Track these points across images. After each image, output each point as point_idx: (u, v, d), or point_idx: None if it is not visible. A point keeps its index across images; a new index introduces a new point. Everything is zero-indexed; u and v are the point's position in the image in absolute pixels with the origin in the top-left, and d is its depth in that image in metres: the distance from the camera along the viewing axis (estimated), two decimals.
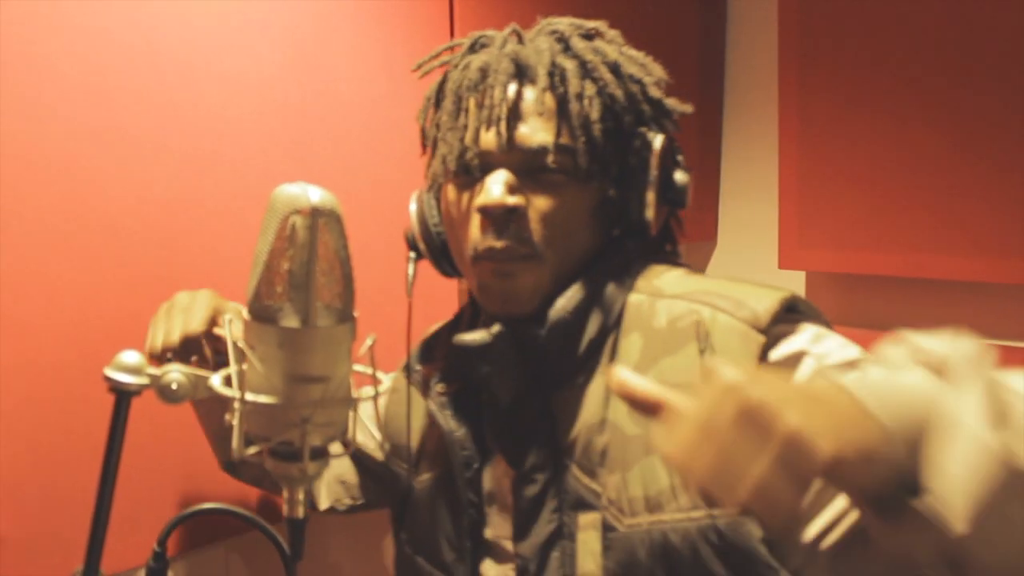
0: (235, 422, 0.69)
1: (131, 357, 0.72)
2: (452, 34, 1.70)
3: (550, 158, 0.91)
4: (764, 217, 2.29)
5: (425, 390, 1.07)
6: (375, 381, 0.74)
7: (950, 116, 1.82)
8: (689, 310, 0.90)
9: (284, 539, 0.80)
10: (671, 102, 1.01)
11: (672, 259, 1.04)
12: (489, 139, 0.92)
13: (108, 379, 0.72)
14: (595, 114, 0.92)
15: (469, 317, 1.10)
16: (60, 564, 1.19)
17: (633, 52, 0.99)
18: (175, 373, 0.73)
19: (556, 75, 0.93)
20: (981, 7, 1.76)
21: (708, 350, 0.86)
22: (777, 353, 0.84)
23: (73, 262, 1.22)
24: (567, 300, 0.92)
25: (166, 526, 0.87)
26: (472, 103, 0.95)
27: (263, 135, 1.42)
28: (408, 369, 1.10)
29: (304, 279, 0.67)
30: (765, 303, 0.87)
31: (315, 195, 0.67)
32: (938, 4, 1.81)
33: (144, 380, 0.72)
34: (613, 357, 0.93)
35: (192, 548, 1.35)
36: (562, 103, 0.92)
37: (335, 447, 0.73)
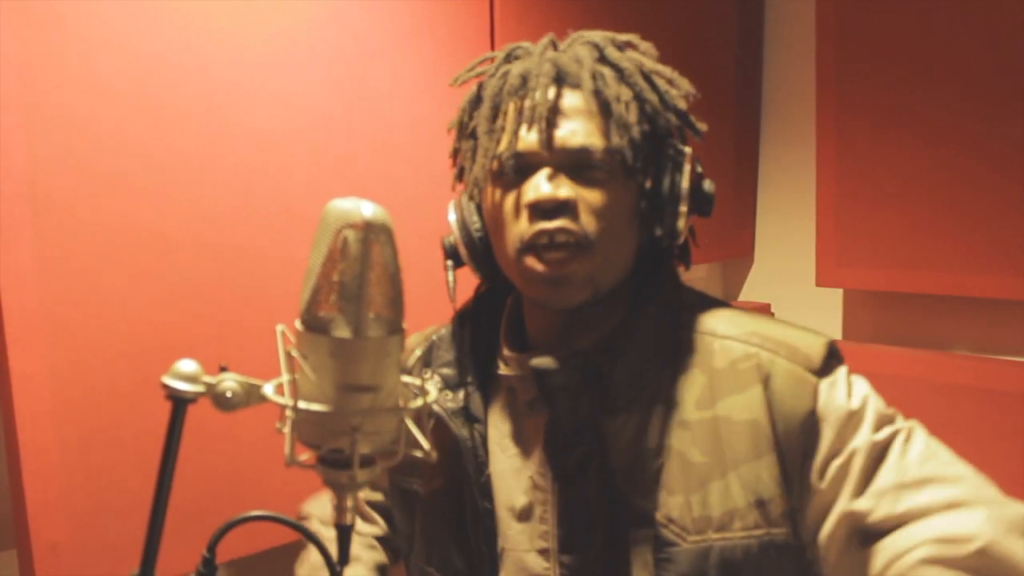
0: (286, 430, 0.71)
1: (188, 366, 0.74)
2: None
3: (595, 156, 0.95)
4: (801, 235, 2.29)
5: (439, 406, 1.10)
6: (423, 392, 0.75)
7: (987, 135, 1.81)
8: (747, 353, 0.98)
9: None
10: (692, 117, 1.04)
11: (697, 296, 1.10)
12: (532, 139, 0.96)
13: (165, 386, 0.74)
14: (633, 117, 0.96)
15: (506, 330, 1.10)
16: (111, 570, 1.22)
17: (661, 67, 1.02)
18: (230, 381, 0.75)
19: (597, 79, 0.96)
20: (1018, 29, 1.75)
21: (770, 391, 0.95)
22: (825, 394, 0.95)
23: (125, 276, 1.26)
24: (636, 334, 0.99)
25: (215, 532, 0.89)
26: (512, 107, 0.98)
27: (309, 152, 1.45)
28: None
29: (356, 291, 0.69)
30: (815, 349, 0.97)
31: (367, 210, 0.69)
32: (975, 25, 1.81)
33: (200, 388, 0.74)
34: (671, 390, 0.98)
35: (240, 555, 1.37)
36: (604, 105, 0.96)
37: (384, 456, 0.74)
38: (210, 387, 0.75)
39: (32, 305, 1.17)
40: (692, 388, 0.98)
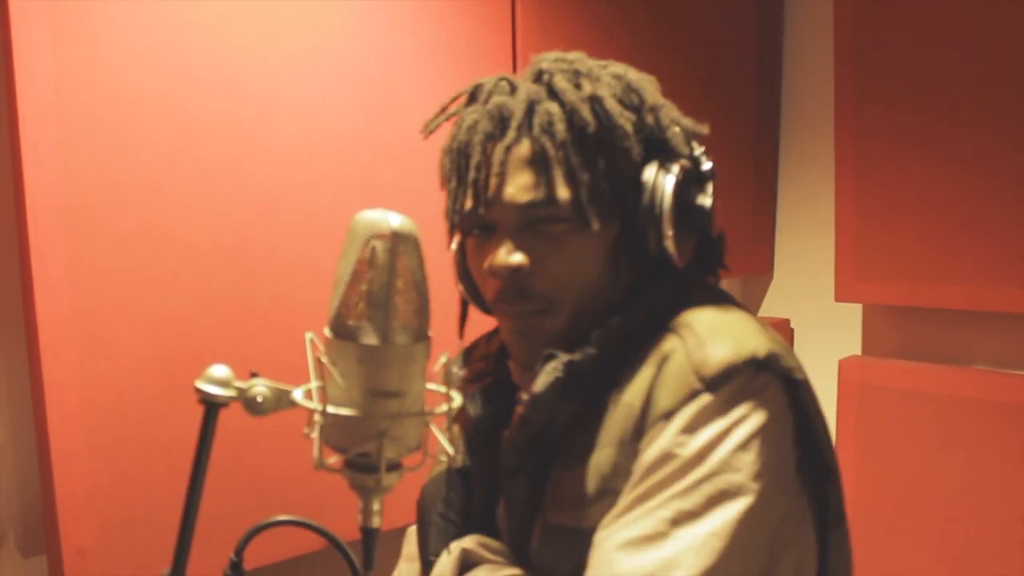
0: (315, 434, 0.73)
1: (221, 371, 0.77)
2: (515, 71, 1.75)
3: (543, 213, 0.90)
4: (820, 250, 2.29)
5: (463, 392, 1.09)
6: (448, 398, 0.77)
7: (1006, 150, 1.81)
8: (665, 338, 0.90)
9: (355, 555, 0.83)
10: (687, 122, 0.97)
11: (715, 292, 1.00)
12: (476, 201, 0.92)
13: (199, 391, 0.76)
14: (578, 159, 0.89)
15: None
16: (138, 574, 1.24)
17: (631, 77, 0.94)
18: (260, 387, 0.77)
19: (536, 125, 0.89)
20: None
21: (657, 377, 0.87)
22: (694, 409, 0.84)
23: (155, 286, 1.28)
24: (615, 336, 0.92)
25: (243, 536, 0.91)
26: (470, 162, 0.93)
27: (333, 165, 1.48)
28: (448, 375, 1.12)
29: (383, 299, 0.71)
30: (718, 357, 0.85)
31: (395, 220, 0.71)
32: (993, 41, 1.82)
33: (232, 393, 0.77)
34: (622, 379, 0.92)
35: (265, 563, 1.39)
36: (543, 153, 0.89)
37: (409, 460, 0.76)
38: (241, 392, 0.77)
39: (65, 313, 1.20)
40: (623, 374, 0.91)
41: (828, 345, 2.28)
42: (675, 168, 0.91)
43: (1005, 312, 1.89)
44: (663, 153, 0.93)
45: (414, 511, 1.63)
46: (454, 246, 1.03)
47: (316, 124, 1.46)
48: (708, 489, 0.81)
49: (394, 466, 0.74)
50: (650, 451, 0.84)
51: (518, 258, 0.90)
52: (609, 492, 0.86)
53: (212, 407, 0.77)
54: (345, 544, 0.92)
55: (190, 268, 1.32)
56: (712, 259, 1.02)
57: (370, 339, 0.71)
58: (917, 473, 1.99)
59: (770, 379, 0.86)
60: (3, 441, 1.29)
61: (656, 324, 0.92)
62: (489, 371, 1.08)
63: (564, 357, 0.90)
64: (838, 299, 2.13)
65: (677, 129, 0.94)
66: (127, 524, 1.26)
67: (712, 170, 0.96)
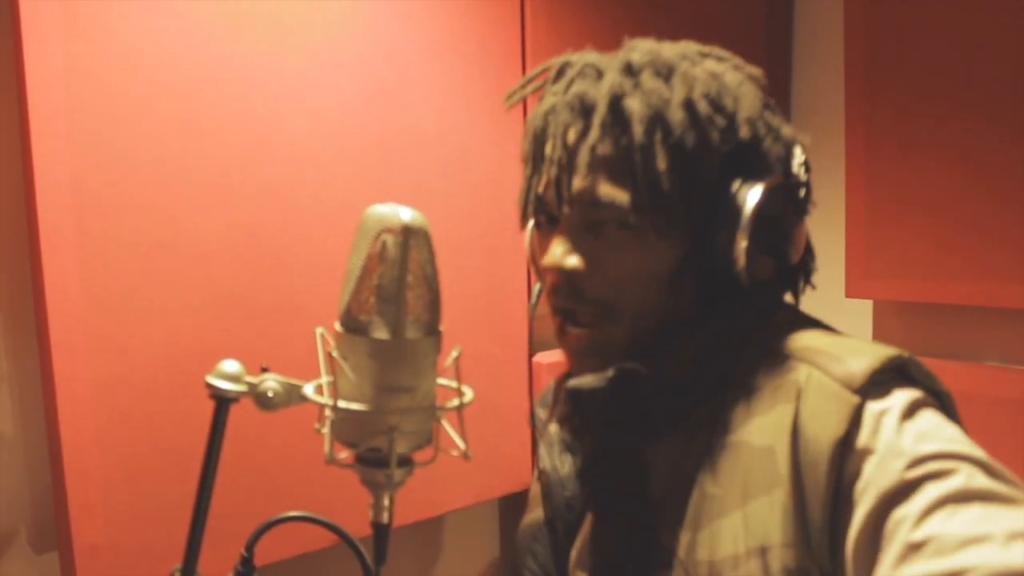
0: (325, 430, 0.73)
1: (231, 366, 0.77)
2: (524, 68, 1.75)
3: (607, 214, 0.82)
4: (830, 245, 2.27)
5: (544, 432, 1.03)
6: (459, 393, 0.77)
7: (1018, 145, 1.80)
8: (788, 367, 0.81)
9: (366, 550, 0.84)
10: (786, 132, 0.89)
11: (805, 318, 0.93)
12: (551, 193, 0.85)
13: (209, 386, 0.76)
14: (662, 164, 0.80)
15: None
16: (150, 571, 1.24)
17: (729, 79, 0.86)
18: (271, 382, 0.77)
19: (618, 122, 0.82)
20: None
21: (799, 411, 0.78)
22: (872, 423, 0.74)
23: (165, 284, 1.29)
24: (684, 350, 0.85)
25: (254, 532, 0.91)
26: (544, 151, 0.87)
27: (344, 164, 1.48)
28: (532, 413, 1.07)
29: (394, 294, 0.71)
30: (864, 361, 0.77)
31: (406, 214, 0.71)
32: (1005, 32, 1.81)
33: (242, 387, 0.77)
34: (718, 413, 0.84)
35: (275, 560, 1.39)
36: (624, 153, 0.81)
37: (420, 455, 0.76)
38: (252, 387, 0.77)
39: (76, 310, 1.20)
40: (732, 410, 0.83)
41: None
42: (761, 183, 0.82)
43: (1017, 308, 1.87)
44: (753, 166, 0.84)
45: (425, 505, 1.64)
46: (528, 228, 0.96)
47: (326, 121, 1.46)
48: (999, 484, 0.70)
49: (405, 461, 0.74)
50: (870, 496, 0.72)
51: (573, 261, 0.84)
52: (772, 547, 0.75)
53: (223, 402, 0.77)
54: (356, 540, 0.92)
55: (201, 264, 1.32)
56: (791, 282, 0.95)
57: (381, 334, 0.71)
58: None
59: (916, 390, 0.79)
60: (15, 438, 1.30)
61: (735, 347, 0.85)
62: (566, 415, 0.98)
63: (619, 365, 0.83)
64: (848, 295, 2.12)
65: (772, 142, 0.86)
66: (138, 520, 1.27)
67: (806, 189, 0.89)
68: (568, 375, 0.94)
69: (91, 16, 1.21)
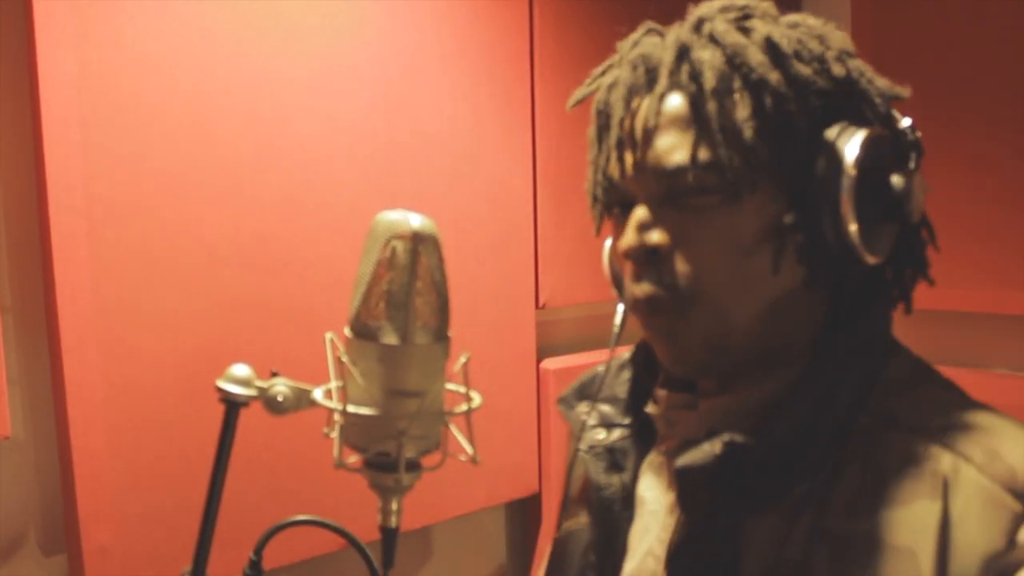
0: (334, 434, 0.74)
1: (241, 370, 0.77)
2: (532, 73, 1.76)
3: (689, 177, 0.71)
4: None
5: (579, 431, 0.92)
6: (468, 398, 0.77)
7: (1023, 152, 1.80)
8: (928, 453, 0.67)
9: (374, 555, 0.84)
10: (881, 82, 0.78)
11: (916, 366, 0.80)
12: (618, 167, 0.76)
13: (219, 390, 0.77)
14: (743, 112, 0.70)
15: (643, 362, 0.92)
16: (158, 574, 1.25)
17: (812, 22, 0.75)
18: (281, 386, 0.78)
19: (684, 72, 0.72)
20: None
21: (948, 512, 0.64)
22: None
23: (176, 288, 1.29)
24: (799, 411, 0.72)
25: (263, 535, 0.92)
26: (610, 123, 0.78)
27: (353, 169, 1.49)
28: (565, 404, 0.96)
29: (403, 299, 0.71)
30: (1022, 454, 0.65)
31: (415, 221, 0.71)
32: (1013, 38, 1.81)
33: (252, 392, 0.77)
34: (828, 490, 0.71)
35: (283, 564, 1.39)
36: (696, 105, 0.71)
37: (428, 460, 0.76)
38: (262, 391, 0.77)
39: (86, 314, 1.21)
40: (848, 490, 0.70)
41: None
42: (863, 131, 0.71)
43: None
44: (852, 112, 0.73)
45: (433, 510, 1.64)
46: (605, 250, 0.87)
47: (336, 127, 1.46)
48: None
49: (413, 465, 0.75)
50: None
51: (655, 237, 0.73)
52: None
53: (233, 406, 0.77)
54: (364, 544, 0.92)
55: (211, 269, 1.33)
56: (912, 258, 0.82)
57: (390, 339, 0.71)
58: None
59: None
60: (25, 441, 1.30)
61: (850, 402, 0.73)
62: (618, 421, 0.90)
63: (727, 437, 0.71)
64: None
65: (869, 84, 0.75)
66: (147, 523, 1.27)
67: (917, 139, 0.77)
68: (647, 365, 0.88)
69: (103, 21, 1.22)
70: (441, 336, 0.74)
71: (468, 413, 0.76)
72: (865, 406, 0.73)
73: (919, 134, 0.77)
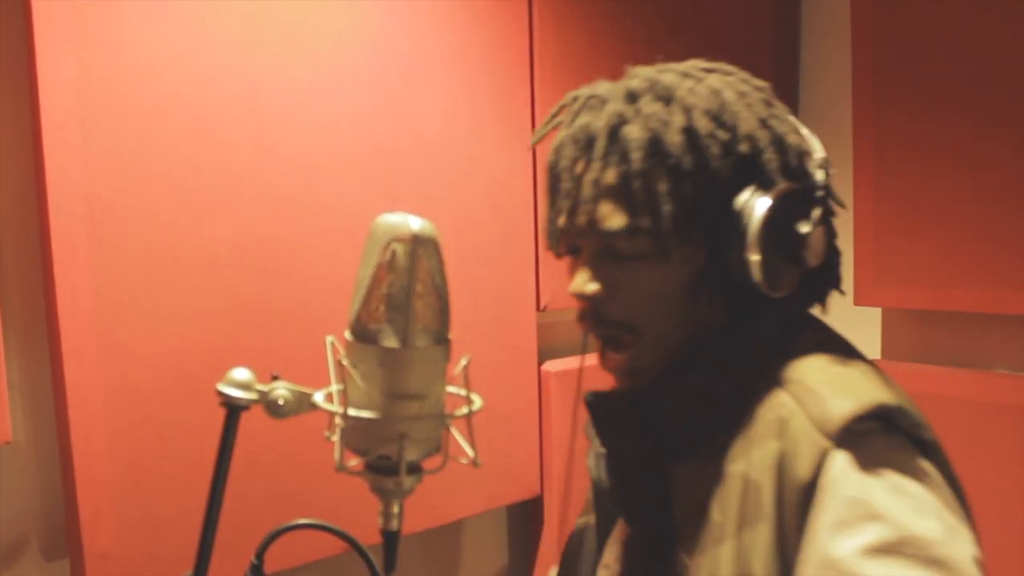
0: (335, 437, 0.74)
1: (242, 374, 0.77)
2: (532, 78, 1.76)
3: (619, 242, 0.86)
4: None
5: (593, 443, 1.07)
6: (468, 401, 0.77)
7: None
8: (781, 402, 0.83)
9: (376, 558, 0.84)
10: (793, 140, 0.89)
11: (826, 335, 0.93)
12: (567, 225, 0.89)
13: (220, 394, 0.77)
14: (663, 187, 0.83)
15: None
16: None
17: (728, 97, 0.87)
18: (282, 389, 0.78)
19: (618, 150, 0.85)
20: None
21: (783, 449, 0.80)
22: (838, 469, 0.76)
23: (176, 292, 1.29)
24: (689, 372, 0.88)
25: (264, 539, 0.92)
26: (559, 186, 0.91)
27: (353, 173, 1.49)
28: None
29: (403, 302, 0.71)
30: (841, 408, 0.78)
31: (415, 224, 0.71)
32: (1014, 40, 1.81)
33: (253, 395, 0.77)
34: (728, 442, 0.85)
35: (284, 568, 1.39)
36: (624, 180, 0.84)
37: (429, 463, 0.76)
38: (263, 395, 0.78)
39: (87, 318, 1.21)
40: (737, 440, 0.85)
41: None
42: (768, 193, 0.84)
43: None
44: (761, 178, 0.85)
45: (435, 513, 1.64)
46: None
47: (336, 130, 1.46)
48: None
49: (414, 468, 0.75)
50: (816, 535, 0.75)
51: (592, 287, 0.88)
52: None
53: (234, 410, 0.78)
54: (366, 547, 0.92)
55: (211, 272, 1.33)
56: (818, 289, 0.94)
57: (390, 342, 0.71)
58: None
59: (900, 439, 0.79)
60: (25, 445, 1.30)
61: (756, 370, 0.87)
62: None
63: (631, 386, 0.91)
64: (857, 303, 2.12)
65: (775, 152, 0.86)
66: (149, 527, 1.27)
67: (823, 193, 0.89)
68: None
69: (103, 25, 1.22)
70: (442, 339, 0.74)
71: (469, 416, 0.77)
72: (766, 373, 0.86)
73: (828, 189, 0.90)
